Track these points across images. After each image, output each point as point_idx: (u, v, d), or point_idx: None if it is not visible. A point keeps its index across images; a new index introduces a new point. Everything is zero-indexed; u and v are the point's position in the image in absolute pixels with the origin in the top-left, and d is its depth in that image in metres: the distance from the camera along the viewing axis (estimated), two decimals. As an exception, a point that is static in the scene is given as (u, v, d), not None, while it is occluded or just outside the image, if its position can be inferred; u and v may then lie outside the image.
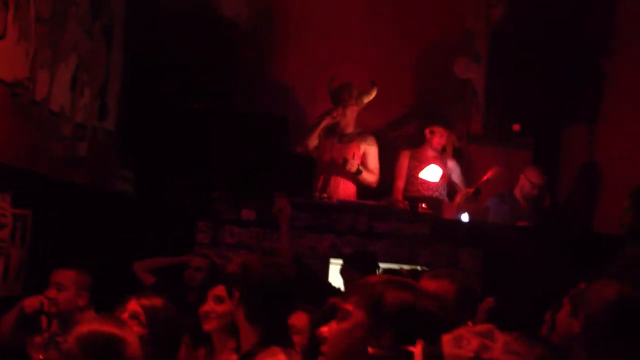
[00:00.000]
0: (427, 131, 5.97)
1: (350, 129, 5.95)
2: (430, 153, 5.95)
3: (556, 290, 2.47)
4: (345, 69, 6.44)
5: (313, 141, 6.00)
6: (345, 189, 5.81)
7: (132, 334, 2.04)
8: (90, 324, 2.03)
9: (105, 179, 5.52)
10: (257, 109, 6.48)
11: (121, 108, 5.63)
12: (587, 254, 4.45)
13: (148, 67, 5.92)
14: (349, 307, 1.49)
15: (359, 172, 5.77)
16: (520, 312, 3.47)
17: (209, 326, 2.74)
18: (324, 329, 1.51)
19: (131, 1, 5.64)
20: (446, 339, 1.26)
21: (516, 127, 5.93)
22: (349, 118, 5.93)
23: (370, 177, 5.88)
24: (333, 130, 5.95)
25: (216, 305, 2.73)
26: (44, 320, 3.41)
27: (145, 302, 2.43)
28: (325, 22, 6.70)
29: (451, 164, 6.02)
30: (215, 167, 5.77)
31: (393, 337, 1.40)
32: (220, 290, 2.74)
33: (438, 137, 5.91)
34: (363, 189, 5.93)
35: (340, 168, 5.77)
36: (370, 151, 5.94)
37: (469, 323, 1.33)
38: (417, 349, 1.28)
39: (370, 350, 1.31)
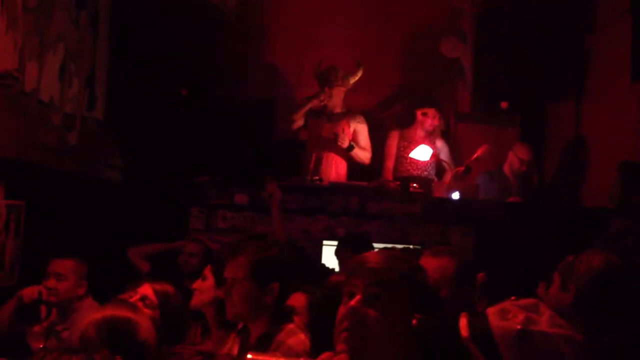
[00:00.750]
0: (419, 112, 6.01)
1: (338, 109, 5.99)
2: (419, 133, 5.99)
3: (546, 264, 2.53)
4: (332, 51, 6.45)
5: (298, 122, 6.03)
6: (337, 169, 5.86)
7: (145, 318, 2.09)
8: (105, 309, 2.07)
9: (95, 168, 5.52)
10: (244, 94, 6.49)
11: (109, 97, 5.62)
12: (576, 227, 4.52)
13: (134, 55, 5.90)
14: (372, 288, 1.53)
15: (350, 147, 5.82)
16: (511, 287, 3.53)
17: (193, 302, 2.83)
18: (361, 312, 1.53)
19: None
20: (491, 312, 1.29)
21: (504, 104, 5.98)
22: (337, 98, 5.97)
23: (363, 153, 5.94)
24: (321, 112, 5.99)
25: (202, 282, 2.82)
26: (42, 309, 3.43)
27: (158, 287, 2.48)
28: (311, 5, 6.69)
29: (440, 143, 6.07)
30: (206, 153, 5.78)
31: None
32: (207, 269, 2.83)
33: (430, 119, 5.96)
34: (354, 169, 5.97)
35: (332, 145, 5.81)
36: (361, 129, 6.00)
37: (512, 297, 1.36)
38: (462, 321, 1.31)
39: (414, 321, 1.34)
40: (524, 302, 1.31)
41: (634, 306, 2.22)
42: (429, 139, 6.00)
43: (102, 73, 5.50)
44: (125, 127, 5.80)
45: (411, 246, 4.65)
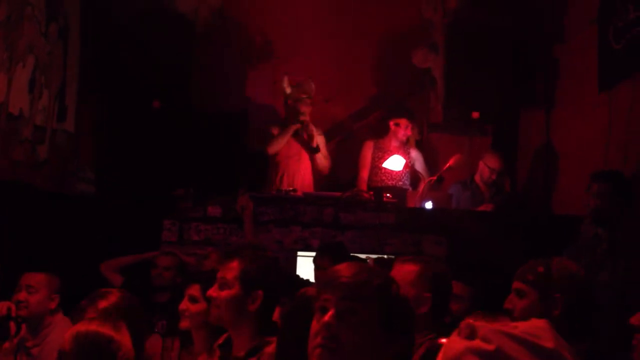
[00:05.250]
0: (391, 123, 6.05)
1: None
2: (393, 143, 6.03)
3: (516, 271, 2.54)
4: (305, 62, 6.49)
5: (281, 146, 6.03)
6: (303, 181, 5.88)
7: (126, 337, 2.07)
8: (86, 325, 2.05)
9: (66, 181, 5.46)
10: (217, 106, 6.47)
11: (80, 109, 5.57)
12: (546, 235, 4.57)
13: (105, 67, 5.86)
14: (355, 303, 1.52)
15: (317, 149, 5.87)
16: (484, 295, 3.56)
17: (183, 324, 2.79)
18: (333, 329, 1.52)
19: (87, 0, 5.58)
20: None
21: (475, 114, 6.03)
22: (307, 113, 6.00)
23: (326, 161, 5.98)
24: (286, 126, 5.99)
25: (191, 305, 2.76)
26: (12, 326, 3.38)
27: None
28: (284, 16, 6.72)
29: (414, 153, 6.11)
30: (178, 165, 5.75)
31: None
32: (195, 289, 2.78)
33: (403, 129, 6.01)
34: (329, 180, 5.99)
35: (302, 156, 5.83)
36: (320, 140, 6.03)
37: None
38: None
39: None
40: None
41: (597, 316, 2.25)
42: (403, 149, 6.04)
43: (73, 84, 5.46)
44: (99, 139, 5.75)
45: (385, 256, 4.67)
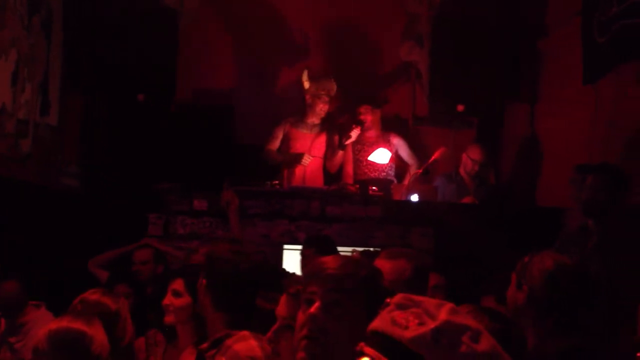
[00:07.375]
0: (360, 116, 6.04)
1: (317, 120, 6.00)
2: (371, 134, 6.03)
3: (503, 264, 2.56)
4: (291, 57, 6.47)
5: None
6: (314, 175, 5.88)
7: (100, 332, 2.06)
8: (61, 321, 2.04)
9: (51, 176, 5.42)
10: (202, 99, 6.44)
11: (64, 103, 5.52)
12: (530, 226, 4.60)
13: (90, 61, 5.81)
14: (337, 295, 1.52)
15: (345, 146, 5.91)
16: (470, 287, 3.58)
17: (168, 319, 2.78)
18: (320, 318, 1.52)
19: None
20: (386, 329, 1.19)
21: (460, 107, 6.05)
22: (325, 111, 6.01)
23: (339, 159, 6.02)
24: (301, 121, 5.98)
25: (175, 299, 2.76)
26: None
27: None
28: (271, 11, 6.69)
29: (396, 140, 6.09)
30: (163, 159, 5.73)
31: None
32: (178, 284, 2.77)
33: (364, 115, 5.99)
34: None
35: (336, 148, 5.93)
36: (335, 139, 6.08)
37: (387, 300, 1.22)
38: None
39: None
40: (395, 301, 1.22)
41: (586, 311, 2.26)
42: (383, 138, 6.03)
43: (56, 78, 5.41)
44: (84, 133, 5.71)
45: (372, 249, 4.68)
